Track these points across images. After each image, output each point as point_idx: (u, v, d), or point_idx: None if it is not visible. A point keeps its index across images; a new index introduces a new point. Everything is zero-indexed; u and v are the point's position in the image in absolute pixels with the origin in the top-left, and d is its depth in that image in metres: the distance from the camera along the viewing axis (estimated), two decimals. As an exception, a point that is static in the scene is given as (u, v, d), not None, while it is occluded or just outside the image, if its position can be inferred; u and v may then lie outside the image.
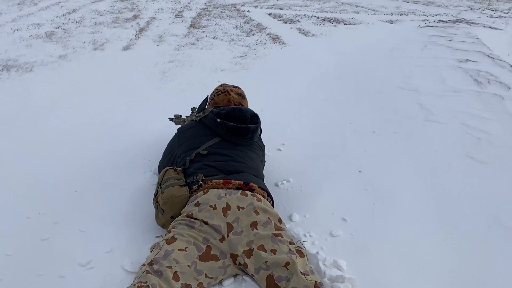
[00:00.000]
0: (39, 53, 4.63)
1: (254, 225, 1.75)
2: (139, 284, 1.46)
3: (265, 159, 2.48)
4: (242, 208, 1.78)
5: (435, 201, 2.27)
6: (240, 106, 2.30)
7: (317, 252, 1.86)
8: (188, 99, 3.52)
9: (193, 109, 2.43)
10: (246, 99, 2.51)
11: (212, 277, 1.65)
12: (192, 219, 1.76)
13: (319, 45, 5.92)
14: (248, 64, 4.79)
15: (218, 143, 2.12)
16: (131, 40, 5.65)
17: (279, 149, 2.79)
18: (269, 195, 1.98)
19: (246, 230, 1.73)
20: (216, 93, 2.44)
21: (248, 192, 1.85)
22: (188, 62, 4.79)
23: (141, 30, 6.29)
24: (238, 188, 1.87)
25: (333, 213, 2.16)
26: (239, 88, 2.51)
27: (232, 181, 1.88)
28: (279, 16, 8.43)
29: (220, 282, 1.71)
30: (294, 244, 1.76)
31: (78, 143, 2.73)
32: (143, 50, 5.20)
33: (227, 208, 1.77)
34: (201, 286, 1.61)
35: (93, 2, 8.29)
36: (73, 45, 5.10)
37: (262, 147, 2.33)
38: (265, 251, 1.67)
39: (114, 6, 8.05)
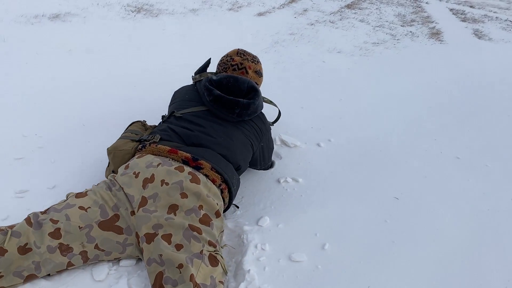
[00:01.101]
0: (177, 3, 4.83)
1: (173, 208, 1.44)
2: (1, 228, 1.31)
3: (290, 150, 2.08)
4: (167, 184, 1.47)
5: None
6: (237, 76, 1.90)
7: (249, 271, 1.45)
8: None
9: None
10: (263, 76, 2.09)
11: (103, 250, 1.42)
12: (114, 180, 1.52)
13: (490, 52, 4.83)
14: (373, 53, 4.20)
15: (201, 112, 1.80)
16: (272, 8, 5.50)
17: (318, 144, 2.31)
18: (226, 181, 1.61)
19: (161, 211, 1.43)
20: (230, 64, 2.03)
21: (187, 169, 1.53)
22: (309, 37, 4.43)
23: (292, 1, 6.09)
24: (183, 162, 1.55)
25: (316, 234, 1.68)
26: (258, 62, 2.09)
27: (180, 152, 1.58)
28: (461, 13, 7.26)
29: (117, 260, 1.46)
30: (214, 246, 1.40)
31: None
32: (275, 19, 5.01)
33: (150, 180, 1.49)
34: (84, 255, 1.39)
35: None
36: (214, 2, 5.19)
37: (261, 130, 1.90)
38: (169, 243, 1.36)
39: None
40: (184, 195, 1.47)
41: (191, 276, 1.28)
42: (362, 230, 1.74)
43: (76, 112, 2.31)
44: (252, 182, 1.99)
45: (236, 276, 1.48)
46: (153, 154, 1.59)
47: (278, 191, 1.93)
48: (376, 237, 1.70)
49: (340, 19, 5.48)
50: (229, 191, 1.65)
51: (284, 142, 2.27)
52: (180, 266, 1.31)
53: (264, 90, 2.41)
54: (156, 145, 1.61)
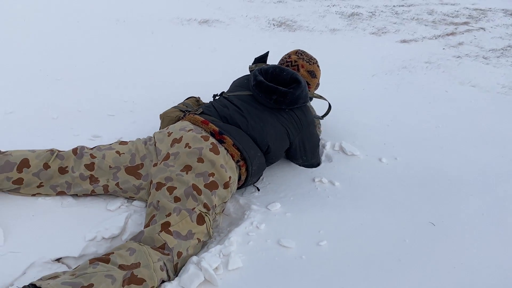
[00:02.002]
0: (321, 22, 5.06)
1: (187, 168, 1.63)
2: (51, 150, 1.68)
3: (345, 157, 2.09)
4: (189, 147, 1.67)
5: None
6: (284, 67, 1.98)
7: (229, 238, 1.55)
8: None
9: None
10: (317, 79, 2.13)
11: (121, 189, 1.68)
12: (152, 136, 1.79)
13: None
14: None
15: (244, 96, 1.96)
16: (422, 37, 5.30)
17: (380, 159, 2.23)
18: (244, 159, 1.73)
19: (176, 167, 1.63)
20: (285, 60, 2.18)
21: (211, 139, 1.70)
22: (445, 68, 4.16)
23: (451, 33, 5.74)
24: (211, 133, 1.74)
25: (319, 231, 1.68)
26: (315, 64, 2.15)
27: (210, 124, 1.76)
28: None
29: (131, 199, 1.72)
30: (208, 209, 1.55)
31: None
32: (417, 47, 4.83)
33: (178, 140, 1.70)
34: (106, 188, 1.67)
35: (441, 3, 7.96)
36: (359, 26, 5.26)
37: (300, 122, 1.95)
38: (171, 193, 1.56)
39: (457, 11, 7.54)
40: (200, 160, 1.64)
41: (170, 222, 1.44)
42: (372, 240, 1.65)
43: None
44: (285, 174, 2.04)
45: (220, 241, 1.58)
46: (190, 122, 1.80)
47: (307, 188, 1.94)
48: (383, 251, 1.60)
49: (498, 57, 4.95)
50: (247, 169, 1.76)
51: (342, 149, 2.25)
52: (169, 214, 1.49)
53: (368, 101, 2.39)
54: (193, 115, 1.82)
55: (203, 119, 1.78)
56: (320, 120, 2.37)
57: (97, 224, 1.57)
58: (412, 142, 2.47)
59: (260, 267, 1.46)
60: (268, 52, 2.22)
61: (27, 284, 1.18)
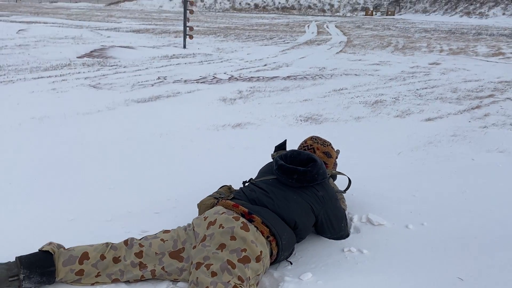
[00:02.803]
0: (345, 113, 5.41)
1: (222, 246, 1.84)
2: (106, 243, 1.95)
3: (372, 227, 2.25)
4: (223, 227, 1.90)
5: None
6: (301, 150, 2.25)
7: None
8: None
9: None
10: (333, 158, 2.38)
11: (166, 272, 1.90)
12: (191, 223, 2.05)
13: None
14: None
15: (269, 180, 2.21)
16: (447, 114, 5.51)
17: (406, 226, 2.35)
18: (273, 234, 1.93)
19: (212, 246, 1.85)
20: (302, 145, 2.49)
21: (242, 219, 1.93)
22: (472, 138, 4.31)
23: (476, 107, 5.93)
24: (241, 214, 1.97)
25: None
26: (329, 145, 2.40)
27: (240, 206, 2.00)
28: None
29: (176, 281, 1.92)
30: (242, 281, 1.73)
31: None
32: (442, 124, 5.02)
33: (213, 223, 1.94)
34: (153, 272, 1.90)
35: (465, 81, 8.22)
36: (383, 111, 5.57)
37: (323, 197, 2.17)
38: (208, 269, 1.76)
39: (482, 86, 7.78)
40: (233, 238, 1.86)
41: None
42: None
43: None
44: (315, 247, 2.18)
45: (255, 309, 1.72)
46: (223, 207, 2.05)
47: (336, 257, 2.07)
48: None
49: None
50: (277, 244, 1.95)
51: (369, 220, 2.39)
52: (207, 287, 1.68)
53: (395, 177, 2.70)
54: (225, 201, 2.08)
55: (234, 203, 2.03)
56: (344, 195, 2.56)
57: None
58: (439, 208, 2.58)
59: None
60: (286, 140, 2.52)
61: None
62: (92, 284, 1.88)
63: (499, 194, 2.78)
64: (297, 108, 5.76)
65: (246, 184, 2.32)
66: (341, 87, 7.30)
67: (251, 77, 8.00)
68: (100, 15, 26.51)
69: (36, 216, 2.44)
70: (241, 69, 8.93)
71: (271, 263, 2.00)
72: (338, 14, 49.11)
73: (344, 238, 2.26)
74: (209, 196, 2.28)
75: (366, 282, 1.85)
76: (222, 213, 1.98)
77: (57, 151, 3.60)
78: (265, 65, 9.72)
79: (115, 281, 1.89)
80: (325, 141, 2.50)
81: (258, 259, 1.83)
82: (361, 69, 9.46)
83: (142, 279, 1.91)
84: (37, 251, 1.86)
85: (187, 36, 11.40)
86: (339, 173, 2.47)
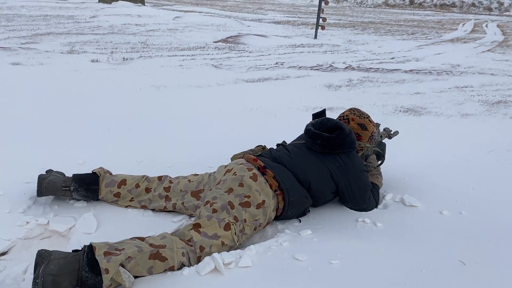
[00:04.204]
0: (453, 108, 5.05)
1: (229, 190, 2.03)
2: (143, 176, 2.29)
3: (403, 207, 2.23)
4: (235, 175, 2.08)
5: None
6: (331, 118, 2.26)
7: (249, 246, 1.85)
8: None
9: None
10: (368, 131, 2.32)
11: (185, 207, 2.17)
12: (215, 170, 2.28)
13: None
14: None
15: (298, 143, 2.30)
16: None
17: (441, 212, 2.23)
18: (281, 189, 2.05)
19: (223, 189, 2.05)
20: (340, 115, 2.47)
21: (254, 170, 2.09)
22: None
23: None
24: (257, 167, 2.14)
25: (338, 254, 1.83)
26: (366, 118, 2.34)
27: (259, 161, 2.16)
28: None
29: (191, 216, 2.18)
30: (236, 221, 1.91)
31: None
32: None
33: (229, 171, 2.14)
34: (174, 206, 2.19)
35: None
36: (506, 112, 5.03)
37: (346, 166, 2.18)
38: (211, 206, 1.98)
39: None
40: (241, 185, 2.03)
41: (199, 225, 1.84)
42: (386, 268, 1.71)
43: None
44: (332, 213, 2.21)
45: (242, 247, 1.87)
46: (245, 160, 2.23)
47: (346, 225, 2.08)
48: (392, 276, 1.65)
49: None
50: (283, 198, 2.06)
51: (402, 200, 2.31)
52: (204, 220, 1.89)
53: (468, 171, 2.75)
54: (249, 155, 2.25)
55: (255, 157, 2.19)
56: (389, 175, 2.50)
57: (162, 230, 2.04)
58: (492, 203, 2.35)
59: (266, 270, 1.69)
60: (324, 109, 2.55)
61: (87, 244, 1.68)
62: (126, 207, 2.23)
63: None
64: (402, 99, 5.53)
65: (277, 145, 2.44)
66: (466, 84, 6.72)
67: (370, 68, 7.82)
68: (251, 8, 28.06)
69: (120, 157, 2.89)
70: (363, 60, 8.78)
71: (278, 217, 2.11)
72: (508, 13, 43.69)
73: (367, 211, 2.24)
74: (243, 152, 2.46)
75: (361, 247, 1.85)
76: (240, 164, 2.15)
77: (158, 112, 4.14)
78: (392, 58, 9.37)
79: (144, 207, 2.21)
80: (362, 113, 2.46)
81: (258, 206, 1.96)
82: (503, 69, 8.50)
83: (165, 210, 2.20)
84: (90, 172, 2.27)
85: (319, 27, 11.51)
86: (374, 147, 2.43)
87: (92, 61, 6.81)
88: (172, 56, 7.86)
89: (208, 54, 8.40)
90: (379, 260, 1.76)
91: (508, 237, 2.00)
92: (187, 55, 8.02)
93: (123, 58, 7.25)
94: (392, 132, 2.69)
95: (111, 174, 2.29)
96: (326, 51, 9.74)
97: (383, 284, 1.61)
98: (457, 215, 2.20)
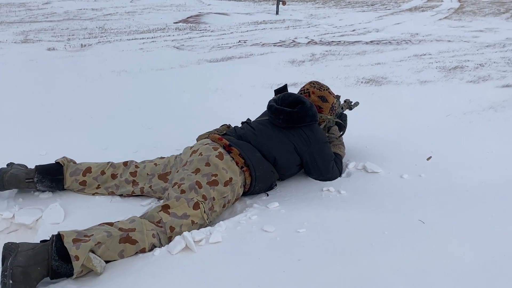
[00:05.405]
0: (413, 76, 5.17)
1: (197, 171, 2.05)
2: (108, 162, 2.27)
3: (365, 174, 2.30)
4: (201, 155, 2.10)
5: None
6: (291, 93, 2.30)
7: (219, 223, 1.88)
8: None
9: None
10: (329, 103, 2.38)
11: (153, 190, 2.17)
12: (181, 152, 2.28)
13: None
14: None
15: (262, 120, 2.33)
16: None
17: (401, 176, 2.32)
18: (248, 165, 2.08)
19: (189, 170, 2.06)
20: (300, 89, 2.52)
21: (220, 149, 2.11)
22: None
23: None
24: (222, 146, 2.15)
25: (304, 223, 1.88)
26: (325, 90, 2.40)
27: (224, 139, 2.18)
28: None
29: (160, 198, 2.18)
30: (205, 199, 1.93)
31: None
32: None
33: (195, 151, 2.15)
34: (142, 190, 2.18)
35: None
36: (457, 75, 5.20)
37: (309, 138, 2.23)
38: (179, 187, 1.99)
39: None
40: (207, 164, 2.05)
41: (168, 206, 1.85)
42: (351, 232, 1.78)
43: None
44: (298, 184, 2.27)
45: (212, 224, 1.91)
46: (210, 139, 2.24)
47: (312, 194, 2.14)
48: (356, 239, 1.72)
49: None
50: (250, 174, 2.09)
51: (364, 168, 2.40)
52: (172, 201, 1.91)
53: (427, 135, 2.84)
54: (214, 135, 2.26)
55: (220, 137, 2.20)
56: (353, 145, 2.57)
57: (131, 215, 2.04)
58: (450, 163, 2.46)
59: (236, 244, 1.74)
60: (286, 85, 2.58)
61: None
62: (93, 194, 2.21)
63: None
64: (364, 71, 5.62)
65: (242, 122, 2.46)
66: (424, 52, 6.89)
67: (332, 41, 7.89)
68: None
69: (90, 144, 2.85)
70: (325, 34, 8.84)
71: (246, 192, 2.15)
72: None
73: (331, 180, 2.31)
74: (208, 132, 2.47)
75: (327, 215, 1.91)
76: (206, 144, 2.16)
77: (120, 98, 4.08)
78: (353, 30, 9.48)
79: (111, 193, 2.21)
80: (322, 85, 2.51)
81: (226, 184, 1.99)
82: (459, 35, 8.74)
83: (132, 194, 2.20)
84: (53, 162, 2.24)
85: (280, 3, 11.47)
86: (335, 119, 2.49)
87: (49, 49, 6.59)
88: (132, 39, 7.69)
89: (169, 35, 8.26)
90: (344, 225, 1.83)
91: (464, 195, 2.11)
92: (147, 38, 7.87)
93: (81, 44, 7.04)
94: (352, 103, 2.76)
95: (75, 163, 2.26)
96: (288, 27, 9.74)
97: (348, 247, 1.68)
98: (416, 178, 2.30)
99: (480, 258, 1.62)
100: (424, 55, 6.66)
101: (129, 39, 7.67)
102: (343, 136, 2.58)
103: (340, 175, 2.36)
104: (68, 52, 6.45)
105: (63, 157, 2.26)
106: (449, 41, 8.07)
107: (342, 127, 2.55)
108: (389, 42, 7.85)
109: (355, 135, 2.83)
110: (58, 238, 1.60)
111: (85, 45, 6.98)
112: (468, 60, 6.27)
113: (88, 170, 2.19)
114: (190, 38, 8.01)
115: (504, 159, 2.55)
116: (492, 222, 1.85)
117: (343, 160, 2.47)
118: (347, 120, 2.68)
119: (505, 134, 3.02)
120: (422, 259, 1.60)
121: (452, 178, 2.29)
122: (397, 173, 2.34)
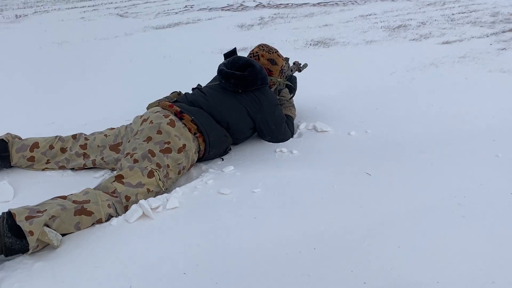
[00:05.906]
0: (359, 36, 5.27)
1: (148, 139, 2.03)
2: (56, 136, 2.21)
3: (315, 134, 2.36)
4: (152, 123, 2.08)
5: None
6: (241, 56, 2.31)
7: (175, 189, 1.90)
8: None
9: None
10: (278, 66, 2.41)
11: (105, 161, 2.15)
12: (132, 121, 2.25)
13: None
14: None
15: (213, 85, 2.33)
16: (471, 37, 5.20)
17: (349, 133, 2.41)
18: (200, 131, 2.08)
19: (141, 139, 2.04)
20: (250, 53, 2.53)
21: (171, 116, 2.09)
22: (482, 60, 4.10)
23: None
24: (174, 113, 2.14)
25: (259, 183, 1.93)
26: (274, 53, 2.43)
27: (175, 106, 2.16)
28: None
29: (112, 170, 2.16)
30: (159, 167, 1.93)
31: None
32: (460, 46, 4.76)
33: (146, 120, 2.13)
34: (94, 162, 2.15)
35: None
36: (400, 35, 5.34)
37: (260, 101, 2.26)
38: (131, 157, 1.97)
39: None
40: (159, 132, 2.04)
41: (122, 176, 1.84)
42: (303, 188, 1.85)
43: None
44: (252, 147, 2.32)
45: (169, 191, 1.93)
46: (161, 107, 2.22)
47: (266, 156, 2.20)
48: (308, 195, 1.80)
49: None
50: (204, 140, 2.11)
51: (314, 127, 2.47)
52: (126, 171, 1.89)
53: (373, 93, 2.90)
54: (164, 102, 2.24)
55: (170, 104, 2.19)
56: (303, 107, 2.63)
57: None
58: (395, 118, 2.58)
59: (194, 207, 1.77)
60: (235, 48, 2.58)
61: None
62: (43, 170, 2.16)
63: (467, 109, 2.71)
64: (312, 33, 5.66)
65: (193, 89, 2.45)
66: (369, 12, 6.99)
67: (280, 4, 7.84)
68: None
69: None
70: (273, -4, 8.73)
71: (201, 158, 2.17)
72: None
73: (284, 141, 2.37)
74: (158, 100, 2.45)
75: (280, 175, 1.98)
76: (156, 112, 2.15)
77: (64, 70, 3.91)
78: (301, -8, 9.41)
79: (62, 168, 2.16)
80: (271, 48, 2.53)
81: (179, 151, 2.00)
82: (403, -6, 8.89)
83: (84, 167, 2.16)
84: (-5, 140, 2.15)
85: (226, -35, 11.16)
86: (285, 81, 2.53)
87: (-21, 21, 6.15)
88: (72, 8, 7.31)
89: (111, 2, 7.91)
90: (296, 183, 1.90)
91: (406, 148, 2.24)
92: (88, 6, 7.50)
93: (16, 15, 6.62)
94: (301, 65, 2.80)
95: (21, 138, 2.19)
96: (235, -10, 9.53)
97: (301, 203, 1.76)
98: (363, 134, 2.40)
99: (422, 204, 1.74)
100: (370, 15, 6.77)
101: (68, 8, 7.28)
102: (293, 98, 2.63)
103: (292, 136, 2.43)
104: (2, 23, 6.06)
105: (7, 133, 2.17)
106: (393, 0, 8.22)
107: (292, 89, 2.60)
108: (336, 3, 7.90)
109: (305, 96, 2.89)
110: (9, 215, 1.57)
111: (20, 16, 6.57)
112: (411, 19, 6.44)
113: (35, 145, 2.13)
114: (134, 4, 7.71)
115: (444, 110, 2.70)
116: (432, 170, 1.98)
117: (295, 121, 2.54)
118: (297, 82, 2.73)
119: (446, 88, 3.18)
120: (367, 209, 1.70)
121: (396, 131, 2.41)
122: (345, 131, 2.43)
